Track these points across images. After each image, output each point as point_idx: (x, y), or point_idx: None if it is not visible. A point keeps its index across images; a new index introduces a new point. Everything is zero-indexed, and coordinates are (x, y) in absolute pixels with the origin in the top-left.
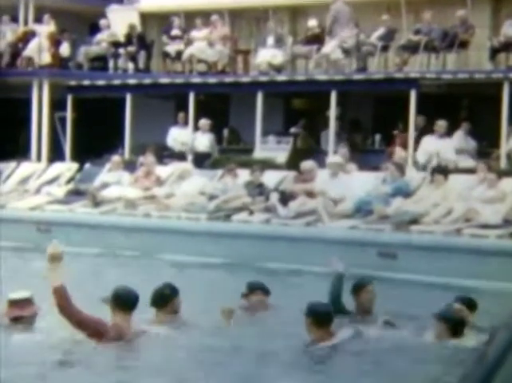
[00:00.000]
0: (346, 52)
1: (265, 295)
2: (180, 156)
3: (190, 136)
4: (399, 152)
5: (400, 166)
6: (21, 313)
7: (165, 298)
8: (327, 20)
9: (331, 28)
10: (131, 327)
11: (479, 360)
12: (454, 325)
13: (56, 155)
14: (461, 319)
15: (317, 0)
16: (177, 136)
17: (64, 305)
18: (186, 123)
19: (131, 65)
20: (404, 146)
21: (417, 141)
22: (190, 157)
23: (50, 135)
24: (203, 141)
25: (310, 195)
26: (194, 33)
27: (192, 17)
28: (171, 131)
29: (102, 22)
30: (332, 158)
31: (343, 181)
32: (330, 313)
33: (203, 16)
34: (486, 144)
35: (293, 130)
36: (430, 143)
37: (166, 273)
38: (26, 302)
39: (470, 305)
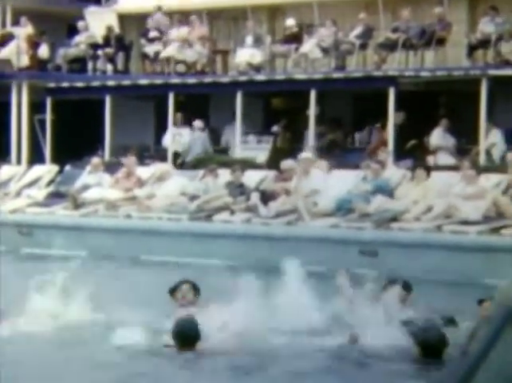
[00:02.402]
0: (324, 51)
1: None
2: (162, 157)
3: (187, 137)
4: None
5: (382, 163)
6: None
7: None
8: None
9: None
10: None
11: (462, 355)
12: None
13: (36, 157)
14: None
15: None
16: (177, 137)
17: None
18: (184, 123)
19: (109, 67)
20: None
21: (398, 137)
22: (171, 157)
23: (30, 137)
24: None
25: (290, 193)
26: (172, 33)
27: (170, 19)
28: (168, 132)
29: (80, 24)
30: (302, 154)
31: (315, 178)
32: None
33: (181, 16)
34: (465, 140)
35: (274, 129)
36: None
37: (147, 273)
38: None
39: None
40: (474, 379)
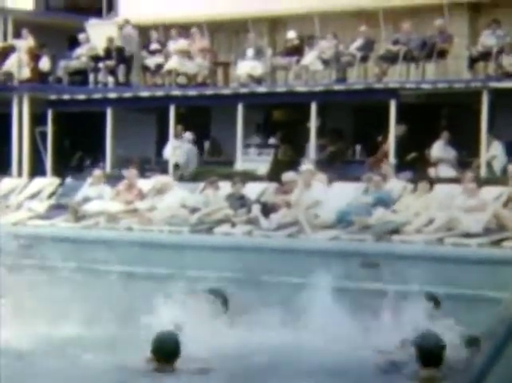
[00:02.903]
0: (325, 63)
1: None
2: (163, 169)
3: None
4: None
5: (384, 176)
6: None
7: None
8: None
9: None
10: None
11: (467, 367)
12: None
13: (37, 170)
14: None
15: (296, 11)
16: (177, 149)
17: None
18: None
19: (111, 79)
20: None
21: (398, 150)
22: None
23: (31, 150)
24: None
25: (291, 206)
26: (173, 45)
27: (171, 31)
28: (168, 144)
29: (81, 36)
30: (303, 166)
31: (317, 190)
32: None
33: (182, 28)
34: (466, 153)
35: (271, 141)
36: None
37: (148, 287)
38: None
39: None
40: None
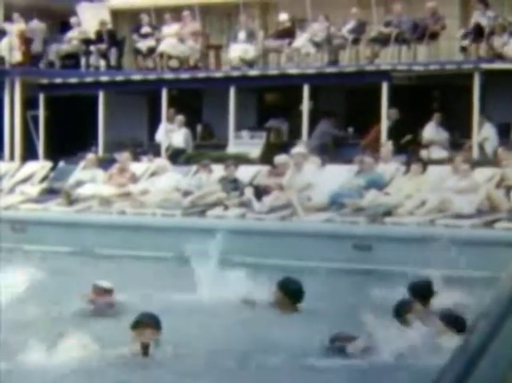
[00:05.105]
0: (317, 45)
1: None
2: (155, 152)
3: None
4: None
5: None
6: (110, 301)
7: None
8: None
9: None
10: None
11: (461, 349)
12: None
13: (29, 154)
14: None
15: None
16: (170, 132)
17: None
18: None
19: (102, 63)
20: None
21: (390, 133)
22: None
23: (23, 134)
24: (178, 137)
25: (284, 188)
26: (165, 29)
27: (163, 14)
28: (161, 127)
29: (72, 20)
30: (295, 149)
31: (309, 173)
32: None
33: (173, 12)
34: (458, 134)
35: (271, 124)
36: None
37: (142, 270)
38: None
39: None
40: (476, 369)
